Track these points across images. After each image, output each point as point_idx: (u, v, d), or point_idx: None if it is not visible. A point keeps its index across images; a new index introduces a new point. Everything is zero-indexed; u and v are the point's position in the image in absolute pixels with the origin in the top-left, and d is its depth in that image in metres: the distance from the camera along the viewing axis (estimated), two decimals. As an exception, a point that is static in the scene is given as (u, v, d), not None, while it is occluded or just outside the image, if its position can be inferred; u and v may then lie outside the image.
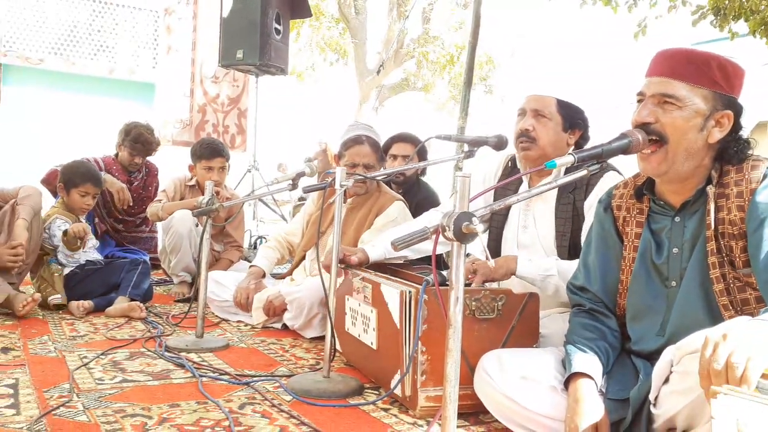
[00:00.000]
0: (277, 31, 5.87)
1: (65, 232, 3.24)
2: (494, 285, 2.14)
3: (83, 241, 3.31)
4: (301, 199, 9.01)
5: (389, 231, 2.63)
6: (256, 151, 6.41)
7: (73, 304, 3.10)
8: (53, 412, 1.76)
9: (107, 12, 7.32)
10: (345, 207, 2.94)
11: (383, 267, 2.47)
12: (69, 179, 3.37)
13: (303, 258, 3.23)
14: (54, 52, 6.92)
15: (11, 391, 1.94)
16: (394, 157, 3.59)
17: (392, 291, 1.97)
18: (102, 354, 2.39)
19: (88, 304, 3.10)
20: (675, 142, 1.51)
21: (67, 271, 3.26)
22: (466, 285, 1.96)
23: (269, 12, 5.67)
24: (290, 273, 3.29)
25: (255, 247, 5.11)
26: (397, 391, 1.93)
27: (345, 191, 2.34)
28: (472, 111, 6.61)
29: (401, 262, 2.59)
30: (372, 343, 2.12)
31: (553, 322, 2.12)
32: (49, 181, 4.12)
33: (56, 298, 3.15)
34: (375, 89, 15.23)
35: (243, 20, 5.74)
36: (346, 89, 16.89)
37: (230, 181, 4.44)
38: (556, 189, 2.14)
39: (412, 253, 2.47)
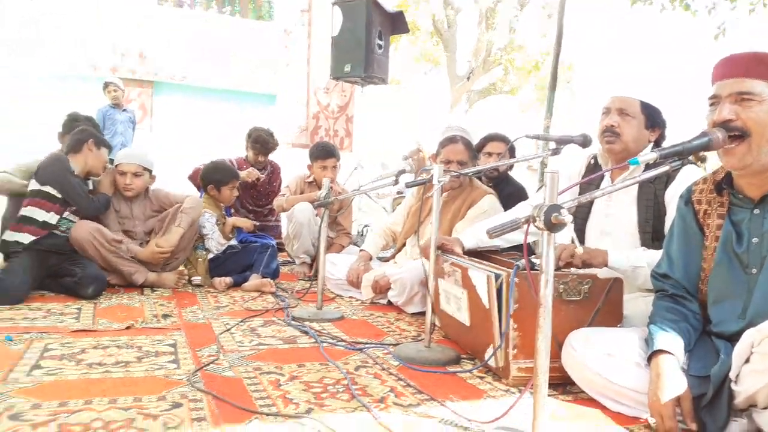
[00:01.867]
0: (379, 46, 5.95)
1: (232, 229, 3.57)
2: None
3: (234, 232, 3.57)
4: (399, 192, 9.11)
5: (481, 222, 2.63)
6: (360, 152, 6.56)
7: (216, 280, 3.32)
8: (205, 368, 1.91)
9: (236, 33, 7.68)
10: (441, 199, 2.97)
11: (476, 253, 2.48)
12: (219, 179, 3.56)
13: (404, 245, 3.29)
14: (193, 70, 7.35)
15: (172, 350, 2.11)
16: (489, 154, 3.56)
17: (479, 275, 1.99)
18: (241, 321, 2.55)
19: (229, 280, 3.32)
20: (758, 134, 1.46)
21: (210, 256, 3.47)
22: (563, 267, 1.96)
23: (373, 30, 5.76)
24: (393, 257, 3.37)
25: (361, 234, 5.23)
26: (491, 362, 1.95)
27: (441, 186, 2.37)
28: (555, 112, 6.44)
29: (492, 249, 2.59)
30: (465, 320, 2.14)
31: (636, 304, 2.06)
32: (193, 178, 4.42)
33: (197, 279, 3.38)
34: (465, 94, 15.08)
35: (350, 38, 5.86)
36: (438, 94, 16.82)
37: (340, 177, 4.57)
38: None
39: (503, 242, 2.46)
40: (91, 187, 3.25)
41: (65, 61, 6.77)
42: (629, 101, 2.18)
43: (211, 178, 3.58)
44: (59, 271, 2.96)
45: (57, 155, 3.17)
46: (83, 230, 3.01)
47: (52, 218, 3.01)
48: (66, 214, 3.06)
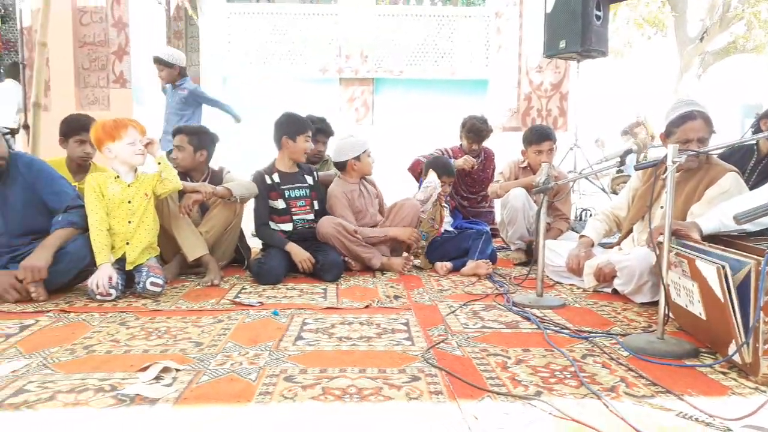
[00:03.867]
0: (598, 17, 5.66)
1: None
2: None
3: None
4: (619, 171, 8.54)
5: (723, 203, 2.42)
6: (577, 131, 6.31)
7: (438, 264, 3.54)
8: (436, 346, 2.10)
9: (446, 25, 7.91)
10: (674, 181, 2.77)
11: (716, 239, 2.29)
12: (440, 169, 3.80)
13: (630, 231, 3.14)
14: (409, 64, 7.76)
15: (405, 328, 2.35)
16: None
17: (708, 267, 1.85)
18: (463, 305, 2.71)
19: (449, 265, 3.52)
20: None
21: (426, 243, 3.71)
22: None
23: (590, 1, 5.50)
24: (618, 243, 3.23)
25: (580, 219, 5.08)
26: (735, 358, 1.81)
27: (676, 167, 2.23)
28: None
29: (735, 234, 2.37)
30: (700, 314, 2.01)
31: None
32: (413, 169, 4.72)
33: (416, 262, 3.62)
34: (697, 57, 13.48)
35: (565, 12, 5.68)
36: (664, 61, 15.28)
37: (555, 159, 4.49)
38: None
39: (753, 226, 2.24)
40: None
41: (303, 67, 7.66)
42: None
43: (434, 167, 3.79)
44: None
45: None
46: (328, 225, 3.40)
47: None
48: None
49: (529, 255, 3.83)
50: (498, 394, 1.66)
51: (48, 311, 2.55)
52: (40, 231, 2.91)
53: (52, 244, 2.77)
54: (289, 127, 3.46)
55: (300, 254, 3.30)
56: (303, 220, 3.47)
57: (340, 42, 7.66)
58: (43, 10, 4.26)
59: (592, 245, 3.25)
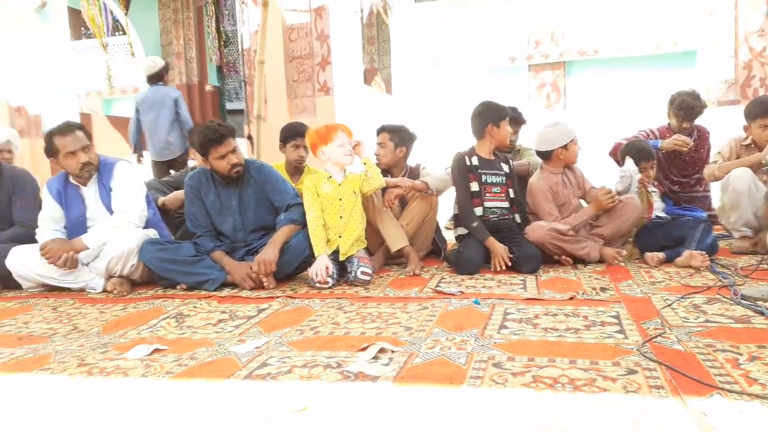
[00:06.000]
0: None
1: None
2: None
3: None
4: None
5: None
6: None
7: (648, 255, 3.31)
8: (653, 340, 1.98)
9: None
10: None
11: None
12: (636, 154, 3.58)
13: None
14: (604, 43, 7.31)
15: (616, 321, 2.24)
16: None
17: None
18: (681, 297, 2.51)
19: (661, 255, 3.26)
20: None
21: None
22: None
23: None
24: None
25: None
26: None
27: None
28: None
29: None
30: None
31: None
32: (614, 153, 4.45)
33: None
34: None
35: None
36: None
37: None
38: None
39: None
40: None
41: (491, 57, 7.64)
42: None
43: (631, 153, 3.57)
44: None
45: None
46: (540, 232, 3.30)
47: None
48: None
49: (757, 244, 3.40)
50: (730, 392, 1.53)
51: (277, 297, 2.90)
52: (268, 227, 3.32)
53: (279, 240, 3.14)
54: (492, 114, 3.48)
55: (498, 248, 3.30)
56: (496, 207, 3.47)
57: (529, 28, 7.48)
58: (261, 32, 4.83)
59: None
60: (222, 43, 11.30)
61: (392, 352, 1.97)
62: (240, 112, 11.81)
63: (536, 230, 3.33)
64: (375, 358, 1.91)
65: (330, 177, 3.23)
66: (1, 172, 3.64)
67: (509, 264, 3.25)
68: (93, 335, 2.39)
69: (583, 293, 2.66)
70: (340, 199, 3.20)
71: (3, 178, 3.62)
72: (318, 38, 6.23)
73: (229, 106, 13.25)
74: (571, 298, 2.59)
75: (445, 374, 1.76)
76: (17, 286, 3.35)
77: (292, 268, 3.23)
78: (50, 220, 3.30)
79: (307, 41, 6.22)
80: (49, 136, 3.21)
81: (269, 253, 3.08)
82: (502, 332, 2.16)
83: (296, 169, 3.91)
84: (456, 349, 1.98)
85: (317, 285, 3.03)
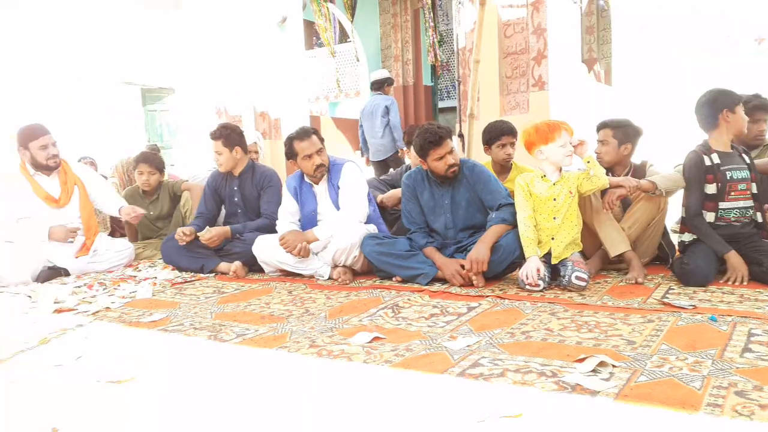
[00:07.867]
0: None
1: None
2: None
3: None
4: None
5: None
6: None
7: None
8: None
9: None
10: None
11: None
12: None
13: None
14: None
15: None
16: None
17: None
18: None
19: None
20: None
21: None
22: None
23: None
24: None
25: None
26: None
27: None
28: None
29: None
30: None
31: None
32: None
33: None
34: None
35: None
36: None
37: None
38: None
39: None
40: None
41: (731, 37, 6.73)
42: None
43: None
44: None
45: None
46: None
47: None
48: None
49: None
50: None
51: (486, 296, 2.90)
52: (478, 226, 3.34)
53: (490, 239, 3.14)
54: (725, 99, 3.06)
55: (739, 263, 2.90)
56: (736, 208, 3.03)
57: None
58: (478, 31, 4.85)
59: None
60: (437, 43, 11.61)
61: (613, 366, 1.84)
62: (452, 109, 12.06)
63: None
64: (594, 371, 1.81)
65: (544, 176, 3.13)
66: (254, 169, 4.20)
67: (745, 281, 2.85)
68: (321, 319, 2.64)
69: None
70: (555, 199, 3.08)
71: (255, 174, 4.18)
72: (534, 32, 6.07)
73: (440, 104, 13.61)
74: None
75: (676, 397, 1.59)
76: (260, 270, 3.84)
77: (501, 268, 3.20)
78: (288, 214, 3.74)
79: (523, 36, 6.10)
80: (290, 141, 3.61)
81: (481, 251, 3.09)
82: (746, 356, 1.89)
83: (503, 167, 3.87)
84: (688, 371, 1.78)
85: (527, 287, 2.96)
